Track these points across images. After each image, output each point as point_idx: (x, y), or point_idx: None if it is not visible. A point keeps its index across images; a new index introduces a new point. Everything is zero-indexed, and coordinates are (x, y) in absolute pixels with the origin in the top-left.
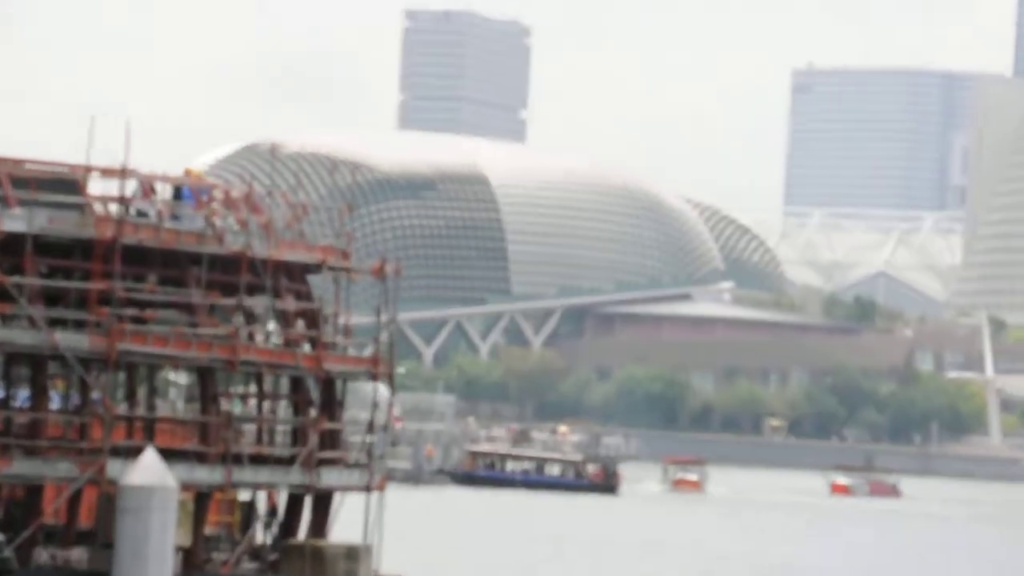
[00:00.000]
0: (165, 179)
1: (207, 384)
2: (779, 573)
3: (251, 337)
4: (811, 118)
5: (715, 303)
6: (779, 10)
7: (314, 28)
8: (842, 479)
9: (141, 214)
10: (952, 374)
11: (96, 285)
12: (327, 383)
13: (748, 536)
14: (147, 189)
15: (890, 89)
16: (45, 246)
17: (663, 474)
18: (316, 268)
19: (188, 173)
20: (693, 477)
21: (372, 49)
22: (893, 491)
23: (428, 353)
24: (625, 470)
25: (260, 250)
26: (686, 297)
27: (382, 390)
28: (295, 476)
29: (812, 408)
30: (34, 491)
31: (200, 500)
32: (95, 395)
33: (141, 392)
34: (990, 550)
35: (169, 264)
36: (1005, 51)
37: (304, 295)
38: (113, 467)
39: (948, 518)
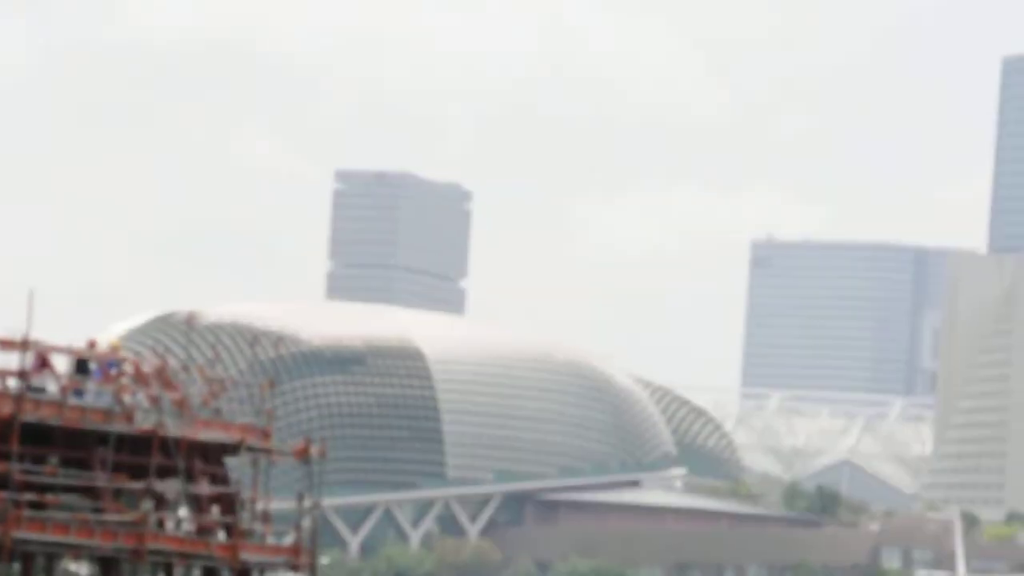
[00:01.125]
0: (69, 351)
1: None
2: None
3: (161, 524)
4: (771, 293)
5: (666, 491)
6: (739, 177)
7: (239, 190)
8: None
9: (36, 390)
10: (921, 573)
11: None
12: (243, 574)
13: None
14: (45, 361)
15: (857, 264)
16: None
17: None
18: (234, 449)
19: (112, 345)
20: None
21: (300, 212)
22: None
23: (354, 542)
24: None
25: (173, 429)
26: (635, 484)
27: None
28: None
29: None
30: None
31: None
32: None
33: None
34: None
35: (73, 444)
36: (979, 226)
37: (220, 478)
38: None
39: None
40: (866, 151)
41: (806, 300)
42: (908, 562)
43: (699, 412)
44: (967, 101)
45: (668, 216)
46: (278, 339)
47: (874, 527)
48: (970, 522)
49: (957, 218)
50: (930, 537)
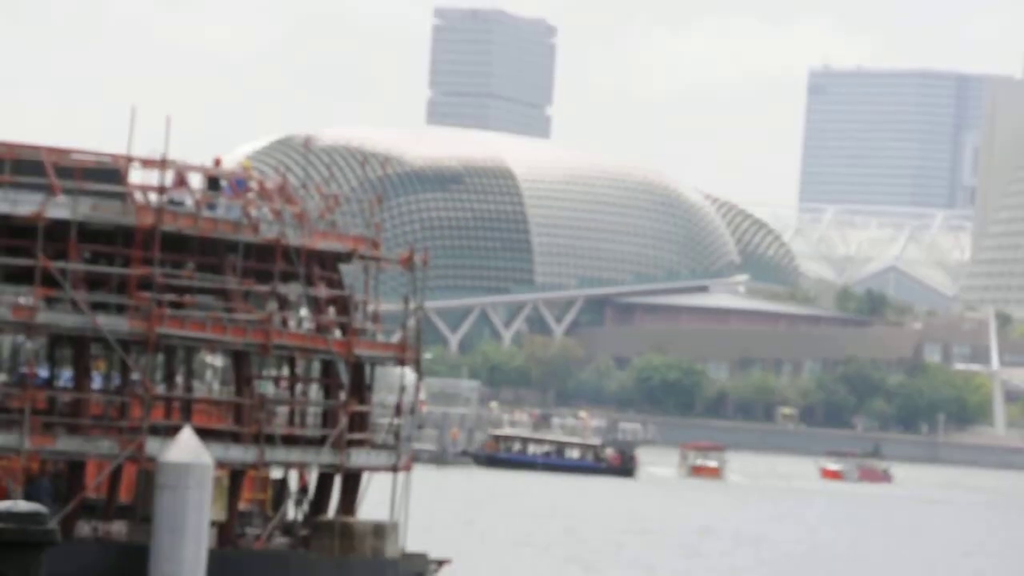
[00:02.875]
0: (203, 170)
1: (242, 367)
2: (793, 552)
3: (284, 323)
4: (826, 117)
5: (731, 295)
6: (797, 11)
7: (350, 28)
8: (832, 465)
9: (175, 203)
10: (959, 366)
11: (136, 271)
12: (357, 367)
13: (769, 520)
14: (182, 179)
15: (903, 90)
16: (88, 233)
17: (681, 460)
18: (347, 257)
19: (242, 165)
20: (712, 464)
21: (402, 46)
22: (884, 477)
23: (454, 340)
24: (642, 455)
25: (294, 239)
26: (703, 289)
27: (409, 375)
28: (325, 456)
29: (823, 397)
30: (77, 467)
31: (234, 477)
32: (135, 376)
33: (179, 374)
34: (978, 533)
35: (207, 251)
36: (1016, 53)
37: (335, 283)
38: (152, 445)
39: (942, 502)
40: None
41: (858, 124)
42: (947, 357)
43: (760, 224)
44: None
45: (729, 48)
46: (385, 160)
47: (917, 326)
48: (1003, 321)
49: (996, 46)
50: (967, 334)
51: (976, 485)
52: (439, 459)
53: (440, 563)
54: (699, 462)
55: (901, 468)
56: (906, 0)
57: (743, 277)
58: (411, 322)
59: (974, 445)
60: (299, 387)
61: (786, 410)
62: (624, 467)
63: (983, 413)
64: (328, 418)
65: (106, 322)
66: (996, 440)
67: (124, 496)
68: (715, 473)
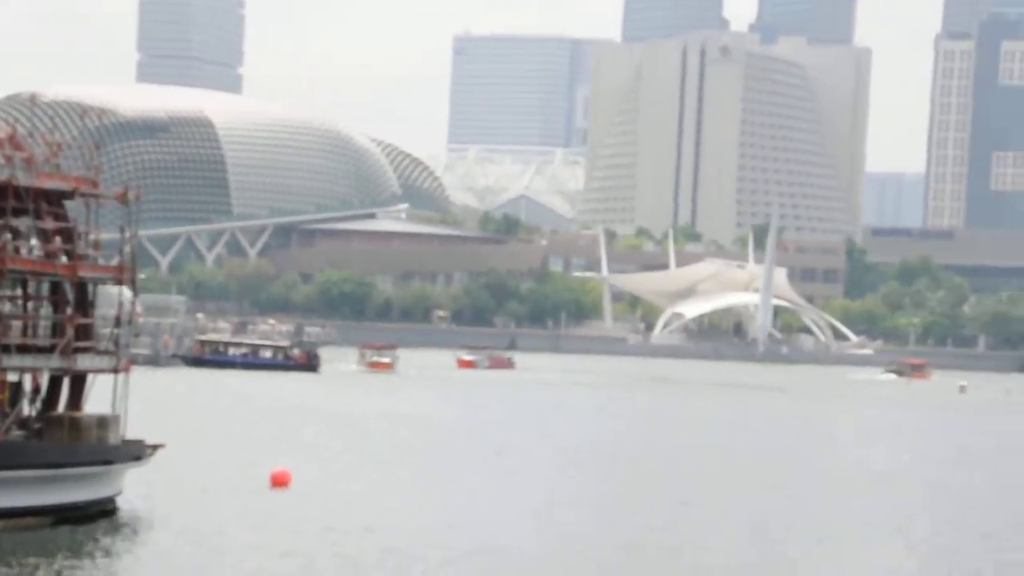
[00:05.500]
0: None
1: None
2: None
3: (17, 250)
4: (469, 74)
5: (394, 221)
6: None
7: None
8: (466, 355)
9: None
10: (577, 274)
11: None
12: (81, 286)
13: (445, 403)
14: None
15: (529, 52)
16: None
17: (360, 357)
18: (70, 195)
19: None
20: (386, 360)
21: (113, 19)
22: (508, 364)
23: (164, 262)
24: (325, 354)
25: (23, 180)
26: (371, 216)
27: (126, 292)
28: (55, 361)
29: (470, 302)
30: None
31: None
32: None
33: None
34: (577, 402)
35: None
36: (615, 20)
37: (61, 216)
38: None
39: (554, 383)
40: None
41: (494, 79)
42: (568, 267)
43: (417, 162)
44: None
45: (391, 17)
46: (101, 112)
47: (544, 242)
48: (610, 237)
49: (601, 15)
50: (583, 248)
51: (589, 368)
52: (153, 361)
53: (155, 447)
54: (375, 358)
55: (531, 357)
56: None
57: (404, 206)
58: (127, 248)
59: (588, 336)
60: (31, 304)
61: (440, 313)
62: (310, 364)
63: (595, 310)
64: (57, 330)
65: None
66: (605, 332)
67: None
68: (389, 367)
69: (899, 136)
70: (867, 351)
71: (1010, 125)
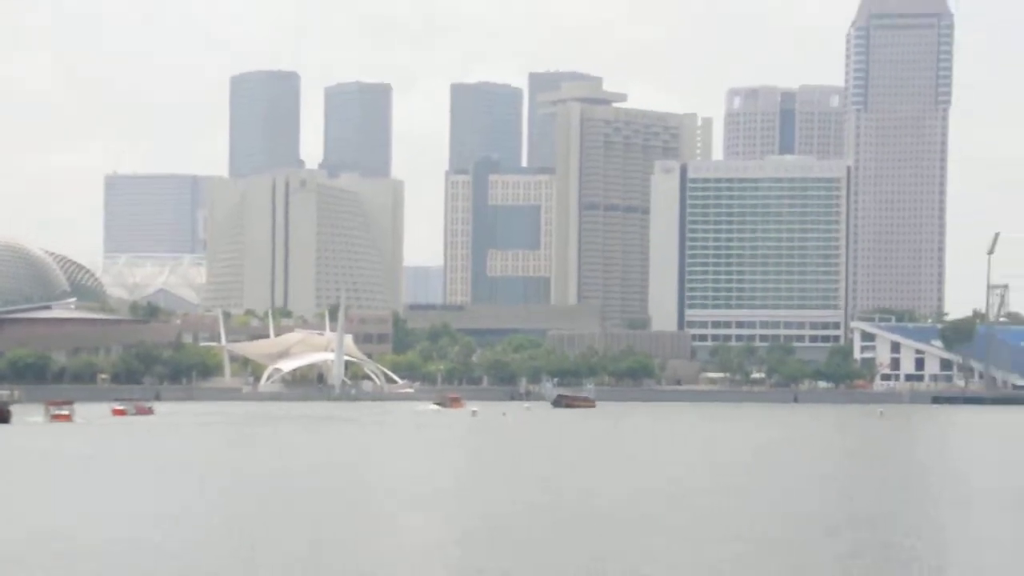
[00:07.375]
0: None
1: None
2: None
3: None
4: (119, 203)
5: (65, 310)
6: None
7: None
8: (119, 406)
9: None
10: (203, 344)
11: None
12: None
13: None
14: None
15: (161, 185)
16: None
17: (45, 411)
18: None
19: None
20: (65, 412)
21: None
22: (149, 411)
23: None
24: (15, 409)
25: None
26: (47, 307)
27: None
28: None
29: (125, 367)
30: None
31: None
32: None
33: None
34: (211, 444)
35: None
36: (224, 161)
37: None
38: None
39: (184, 424)
40: None
41: (137, 205)
42: (196, 339)
43: (80, 266)
44: None
45: (40, 171)
46: None
47: (178, 322)
48: (226, 316)
49: (212, 155)
50: (207, 325)
51: (214, 411)
52: None
53: None
54: (56, 411)
55: (172, 405)
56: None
57: (72, 299)
58: None
59: (213, 388)
60: None
61: (103, 375)
62: (2, 417)
63: (218, 369)
64: None
65: None
66: (225, 384)
67: None
68: (68, 418)
69: (425, 239)
70: (410, 390)
71: (498, 232)
